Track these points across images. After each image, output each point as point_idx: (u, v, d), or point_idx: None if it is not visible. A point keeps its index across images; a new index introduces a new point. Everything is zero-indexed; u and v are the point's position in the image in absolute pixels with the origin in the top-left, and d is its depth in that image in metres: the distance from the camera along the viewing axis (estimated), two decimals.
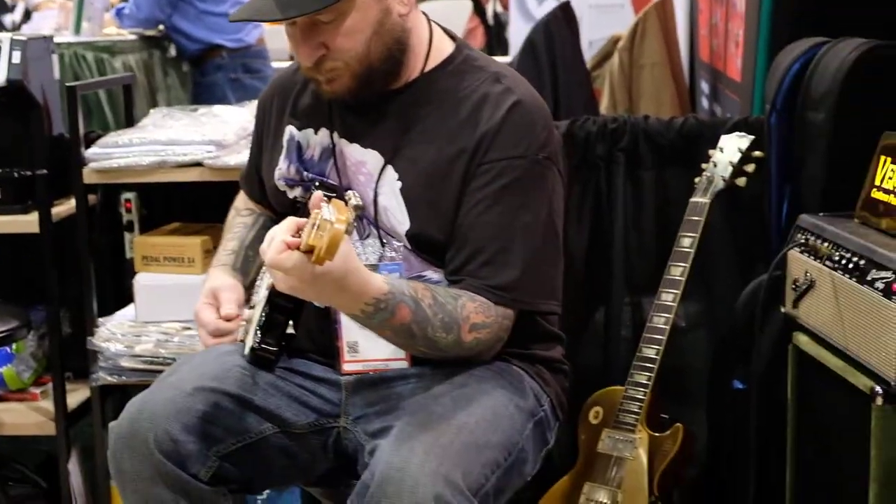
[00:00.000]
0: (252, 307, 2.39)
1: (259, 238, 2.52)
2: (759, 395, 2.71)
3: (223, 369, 2.26)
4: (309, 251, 1.86)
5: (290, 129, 2.38)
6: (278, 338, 2.29)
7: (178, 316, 3.09)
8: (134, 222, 3.36)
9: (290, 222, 1.95)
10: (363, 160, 2.28)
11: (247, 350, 2.29)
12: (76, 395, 3.40)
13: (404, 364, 2.27)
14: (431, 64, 2.27)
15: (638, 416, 2.72)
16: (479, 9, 7.35)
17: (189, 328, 3.07)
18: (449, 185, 2.20)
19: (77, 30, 5.38)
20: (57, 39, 4.96)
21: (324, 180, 2.31)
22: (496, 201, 2.17)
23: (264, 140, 2.47)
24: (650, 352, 2.74)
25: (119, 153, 3.10)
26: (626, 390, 2.75)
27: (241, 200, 2.62)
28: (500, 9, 7.42)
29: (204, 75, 5.79)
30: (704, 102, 4.62)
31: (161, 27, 5.75)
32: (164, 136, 3.13)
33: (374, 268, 2.18)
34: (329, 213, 1.83)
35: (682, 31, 4.94)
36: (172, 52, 5.81)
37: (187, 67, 5.90)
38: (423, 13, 2.30)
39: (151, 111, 3.53)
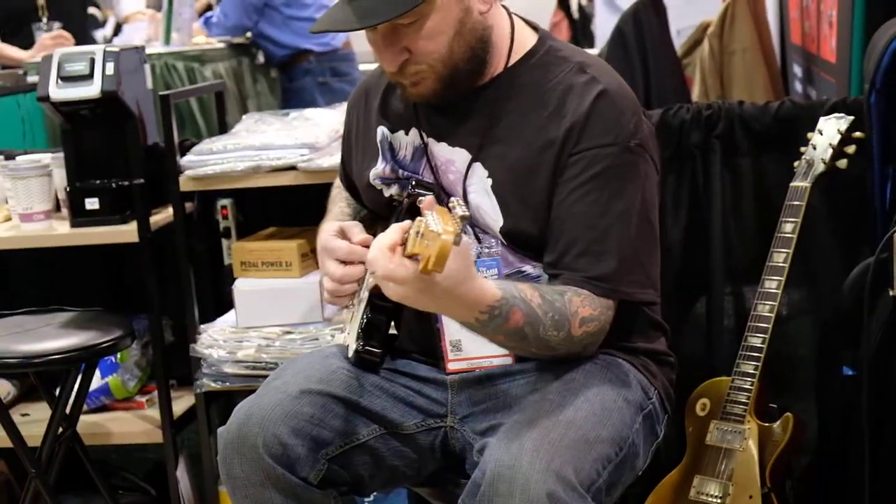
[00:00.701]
0: (350, 306, 2.39)
1: (367, 216, 2.53)
2: (869, 380, 2.66)
3: (328, 372, 2.26)
4: (411, 257, 1.84)
5: (382, 130, 2.38)
6: (381, 340, 2.29)
7: (277, 320, 3.10)
8: (231, 228, 3.38)
9: (396, 230, 1.91)
10: (451, 159, 2.27)
11: (351, 353, 2.29)
12: (181, 403, 3.43)
13: (508, 360, 2.26)
14: (514, 58, 2.25)
15: (746, 406, 2.68)
16: (563, 2, 7.30)
17: (290, 332, 3.08)
18: (539, 179, 2.18)
19: (167, 40, 5.44)
20: (147, 50, 5.05)
21: (420, 178, 2.31)
22: (588, 191, 2.15)
23: (353, 142, 2.47)
24: (756, 340, 2.69)
25: (214, 160, 3.12)
26: (732, 381, 2.71)
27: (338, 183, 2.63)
28: (584, 1, 7.37)
29: (292, 80, 5.83)
30: (798, 86, 4.55)
31: (248, 34, 5.79)
32: (257, 140, 3.14)
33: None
34: (435, 223, 1.80)
35: (773, 15, 4.88)
36: (261, 58, 5.85)
37: (276, 73, 5.94)
38: (504, 7, 2.28)
39: (244, 117, 3.55)
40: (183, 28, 5.53)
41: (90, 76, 3.13)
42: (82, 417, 3.24)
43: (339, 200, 2.58)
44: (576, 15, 7.27)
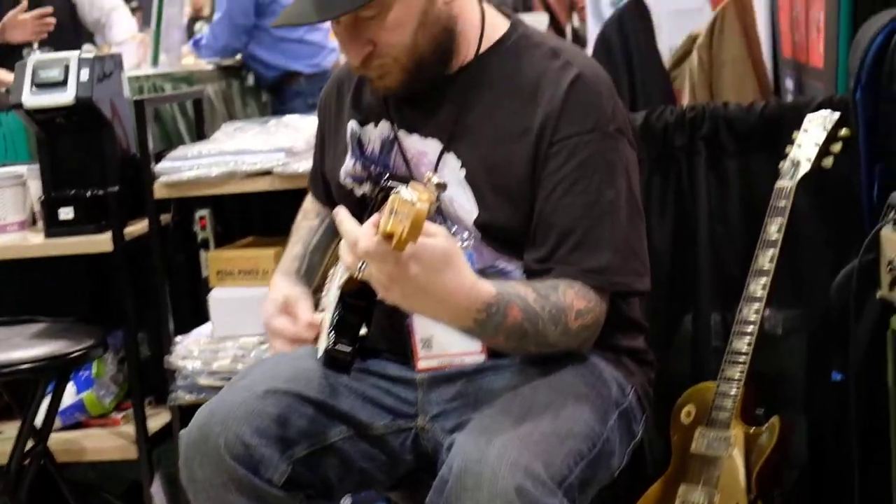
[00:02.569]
0: (322, 311, 2.33)
1: (324, 242, 2.48)
2: (858, 385, 2.60)
3: (296, 371, 2.20)
4: (388, 238, 1.75)
5: (351, 125, 2.33)
6: (352, 339, 2.23)
7: (254, 329, 3.04)
8: (209, 240, 3.35)
9: (373, 219, 1.84)
10: (423, 150, 2.22)
11: (320, 352, 2.23)
12: (158, 419, 3.39)
13: (481, 358, 2.19)
14: (485, 46, 2.21)
15: (732, 411, 2.61)
16: (555, 24, 7.29)
17: (266, 341, 3.02)
18: (515, 168, 2.12)
19: (155, 62, 5.42)
20: (136, 72, 5.03)
21: (394, 173, 2.25)
22: (575, 181, 2.09)
23: (327, 138, 2.42)
24: (741, 344, 2.63)
25: (188, 165, 3.08)
26: (718, 385, 2.64)
27: (309, 202, 2.57)
28: (577, 23, 7.35)
29: (283, 103, 5.81)
30: (790, 100, 4.51)
31: (238, 56, 5.77)
32: (232, 146, 3.10)
33: None
34: (409, 195, 1.73)
35: (764, 31, 4.84)
36: (250, 81, 5.83)
37: (266, 97, 5.92)
38: None
39: (223, 125, 3.51)
40: (172, 50, 5.51)
41: (64, 83, 3.10)
42: (56, 434, 3.19)
43: (297, 231, 2.53)
44: (569, 37, 7.24)
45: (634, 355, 2.28)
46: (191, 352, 3.08)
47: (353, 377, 2.22)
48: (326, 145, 2.42)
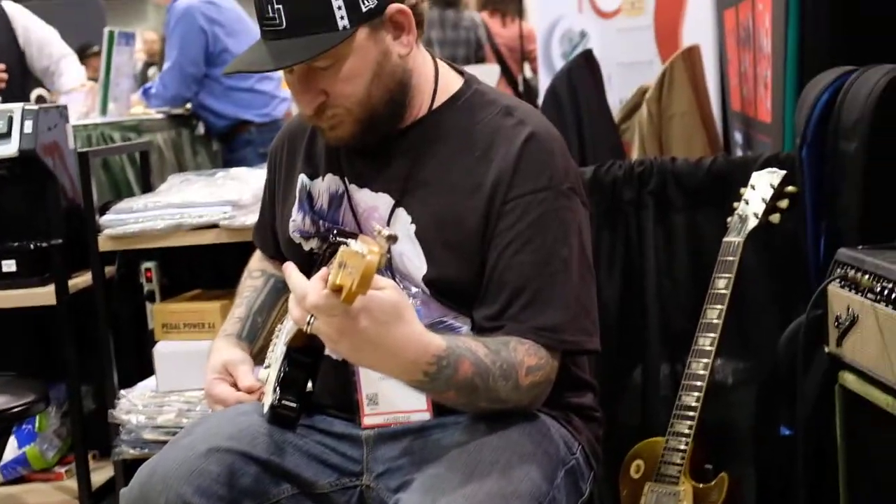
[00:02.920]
0: (268, 367, 2.31)
1: (268, 302, 2.45)
2: (806, 440, 2.60)
3: (239, 429, 2.16)
4: (337, 290, 1.74)
5: (301, 178, 2.31)
6: (297, 395, 2.20)
7: (200, 383, 2.97)
8: (155, 292, 3.30)
9: (322, 272, 1.82)
10: (374, 205, 2.20)
11: (266, 408, 2.20)
12: (102, 473, 3.36)
13: (426, 416, 2.16)
14: (439, 101, 2.20)
15: (681, 467, 2.62)
16: (508, 74, 7.33)
17: None
18: (467, 224, 2.11)
19: (104, 111, 5.38)
20: (84, 121, 5.00)
21: (342, 228, 2.23)
22: (529, 239, 2.08)
23: (276, 191, 2.40)
24: (690, 399, 2.65)
25: (134, 218, 3.06)
26: (667, 441, 2.65)
27: (255, 261, 2.54)
28: (529, 74, 7.39)
29: (233, 151, 5.79)
30: (739, 153, 4.54)
31: (188, 105, 5.75)
32: (178, 198, 3.08)
33: None
34: (359, 247, 1.72)
35: (713, 84, 4.89)
36: (201, 129, 5.82)
37: (217, 146, 5.89)
38: (429, 50, 2.24)
39: (170, 177, 3.49)
40: (121, 98, 5.47)
41: (8, 134, 3.08)
42: None
43: (242, 293, 2.49)
44: (521, 87, 7.28)
45: (582, 412, 2.27)
46: (135, 406, 3.05)
47: (298, 434, 2.19)
48: (276, 198, 2.40)
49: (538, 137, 2.13)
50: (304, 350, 2.10)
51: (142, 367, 3.34)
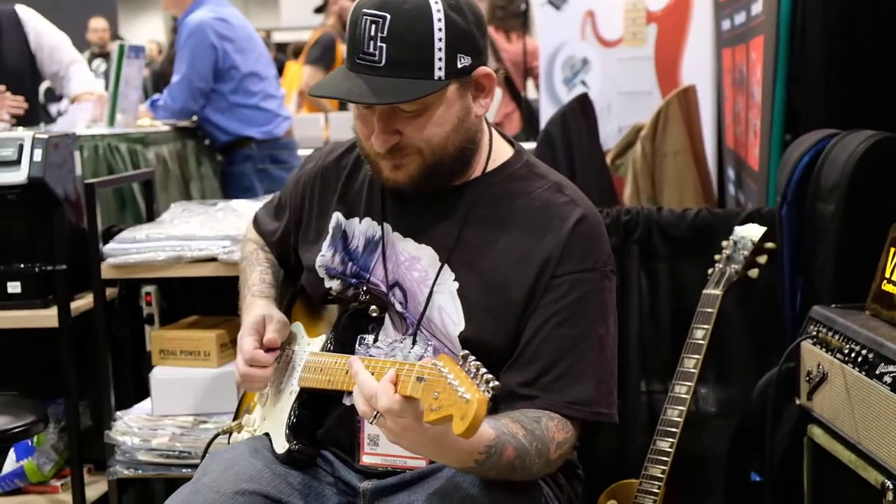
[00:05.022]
0: (264, 397, 2.40)
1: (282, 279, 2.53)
2: (774, 488, 2.68)
3: (256, 470, 2.24)
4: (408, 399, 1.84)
5: (337, 216, 2.36)
6: (309, 438, 2.30)
7: (193, 409, 3.10)
8: (154, 315, 3.38)
9: (390, 376, 1.89)
10: (417, 256, 2.25)
11: (281, 450, 2.29)
12: (97, 488, 3.40)
13: (422, 463, 2.23)
14: (492, 165, 2.27)
15: None
16: (514, 93, 7.34)
17: (205, 421, 3.08)
18: (511, 293, 2.18)
19: (111, 121, 5.44)
20: (91, 131, 5.06)
21: (372, 286, 2.28)
22: (571, 315, 2.16)
23: (305, 217, 2.44)
24: (664, 444, 2.72)
25: (136, 248, 3.14)
26: (640, 483, 2.72)
27: (252, 232, 2.63)
28: (533, 94, 7.41)
29: (232, 165, 5.83)
30: (731, 189, 4.62)
31: (194, 118, 5.81)
32: (179, 231, 3.16)
33: None
34: (457, 383, 1.78)
35: (710, 117, 4.95)
36: (207, 141, 5.87)
37: (219, 158, 5.95)
38: (484, 118, 2.28)
39: (172, 205, 3.57)
40: (128, 110, 5.53)
41: (17, 162, 3.15)
42: None
43: (261, 261, 2.56)
44: (523, 103, 7.30)
45: (566, 469, 2.34)
46: (130, 428, 3.13)
47: (309, 474, 2.29)
48: (303, 224, 2.44)
49: (588, 220, 2.21)
50: (316, 393, 2.21)
51: (138, 387, 3.42)
